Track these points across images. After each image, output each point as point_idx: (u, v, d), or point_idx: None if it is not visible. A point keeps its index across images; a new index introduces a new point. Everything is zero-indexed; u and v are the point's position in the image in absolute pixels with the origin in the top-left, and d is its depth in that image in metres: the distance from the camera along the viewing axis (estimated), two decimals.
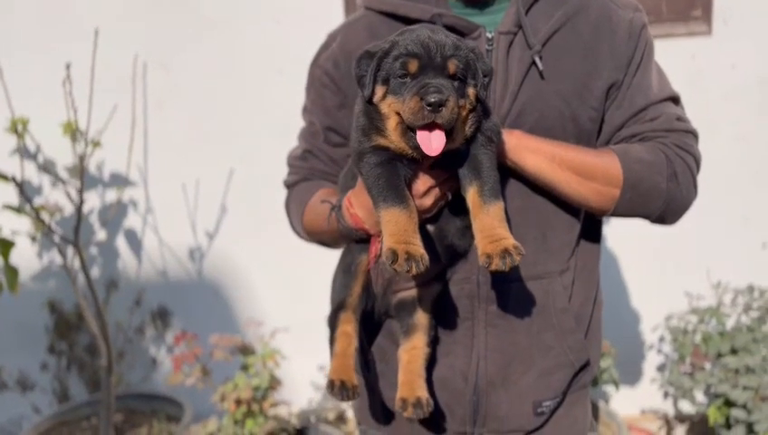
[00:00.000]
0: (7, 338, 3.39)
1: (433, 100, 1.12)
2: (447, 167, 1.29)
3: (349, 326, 1.45)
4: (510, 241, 1.21)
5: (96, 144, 2.82)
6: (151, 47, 3.14)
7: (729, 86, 3.00)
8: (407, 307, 1.48)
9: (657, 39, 2.88)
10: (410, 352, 1.46)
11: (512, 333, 1.52)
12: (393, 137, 1.23)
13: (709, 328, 2.86)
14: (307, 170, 1.66)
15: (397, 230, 1.20)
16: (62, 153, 3.12)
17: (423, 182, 1.30)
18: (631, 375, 3.34)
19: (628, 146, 1.49)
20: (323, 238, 1.61)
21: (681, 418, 3.27)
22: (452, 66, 1.18)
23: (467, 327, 1.52)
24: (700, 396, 2.92)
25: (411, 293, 1.47)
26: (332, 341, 1.46)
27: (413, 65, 1.18)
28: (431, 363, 1.51)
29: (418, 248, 1.18)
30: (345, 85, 1.55)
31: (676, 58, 2.95)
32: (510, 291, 1.50)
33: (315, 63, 1.62)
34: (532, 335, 1.53)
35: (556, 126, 1.47)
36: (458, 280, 1.49)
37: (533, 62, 1.44)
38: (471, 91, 1.22)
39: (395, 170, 1.26)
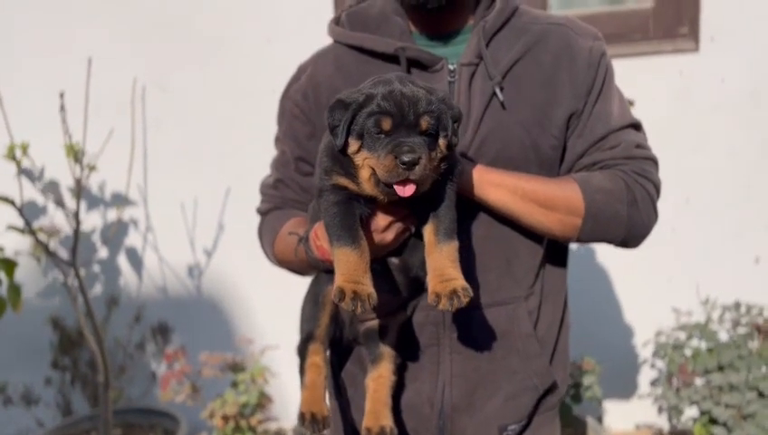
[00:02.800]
0: (12, 354, 3.46)
1: (406, 159, 1.15)
2: (408, 203, 1.30)
3: (318, 357, 1.47)
4: (459, 282, 1.22)
5: (92, 168, 2.89)
6: (149, 69, 3.20)
7: (718, 101, 2.97)
8: (374, 336, 1.50)
9: (645, 56, 2.93)
10: (377, 380, 1.48)
11: (476, 359, 1.53)
12: (366, 185, 1.24)
13: (700, 344, 2.84)
14: (279, 199, 1.69)
15: (347, 270, 1.22)
16: (66, 174, 3.21)
17: (383, 218, 1.32)
18: (625, 390, 3.31)
19: (589, 174, 1.50)
20: (293, 267, 1.64)
21: (675, 433, 3.25)
22: (424, 123, 1.19)
23: (433, 353, 1.54)
24: (692, 412, 2.90)
25: (378, 322, 1.49)
26: (302, 372, 1.48)
27: (386, 123, 1.19)
28: (399, 389, 1.53)
29: (366, 288, 1.20)
30: (314, 116, 1.58)
31: (663, 74, 2.96)
32: (474, 318, 1.51)
33: (286, 95, 1.66)
34: (497, 361, 1.54)
35: (518, 155, 1.48)
36: (424, 307, 1.51)
37: (495, 93, 1.46)
38: (442, 142, 1.23)
39: (351, 210, 1.28)
